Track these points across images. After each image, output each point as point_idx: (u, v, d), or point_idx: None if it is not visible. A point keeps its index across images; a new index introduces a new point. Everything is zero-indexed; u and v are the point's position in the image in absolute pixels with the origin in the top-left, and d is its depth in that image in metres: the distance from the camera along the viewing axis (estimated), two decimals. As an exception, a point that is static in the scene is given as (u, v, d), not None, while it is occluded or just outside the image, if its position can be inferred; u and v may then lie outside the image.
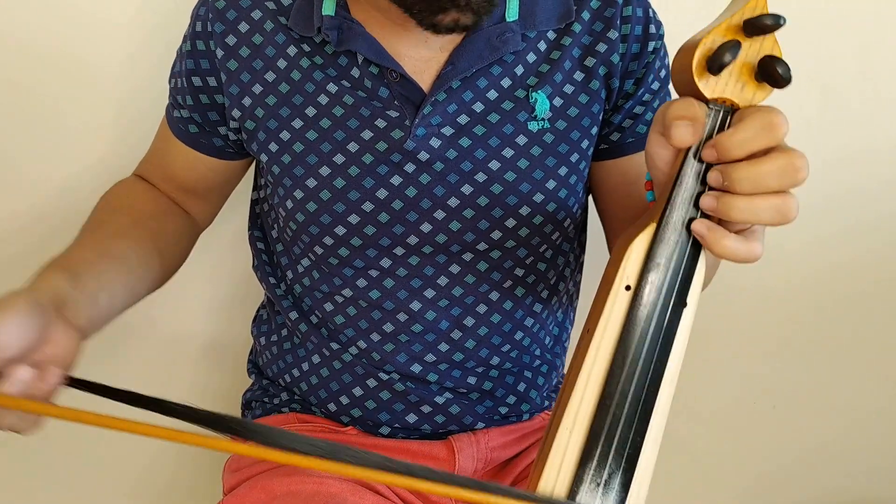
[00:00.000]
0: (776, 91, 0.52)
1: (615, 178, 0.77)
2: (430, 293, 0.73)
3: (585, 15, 0.71)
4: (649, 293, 0.53)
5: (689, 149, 0.51)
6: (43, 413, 0.52)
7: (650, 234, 0.53)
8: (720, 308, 1.04)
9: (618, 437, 0.54)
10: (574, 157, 0.72)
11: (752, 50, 0.50)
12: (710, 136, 0.51)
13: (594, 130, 0.74)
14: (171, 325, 1.06)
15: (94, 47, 0.94)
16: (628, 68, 0.72)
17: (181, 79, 0.76)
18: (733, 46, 0.49)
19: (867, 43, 0.97)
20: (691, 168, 0.52)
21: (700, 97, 0.51)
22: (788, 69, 0.49)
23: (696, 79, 0.50)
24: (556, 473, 0.54)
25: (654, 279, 0.53)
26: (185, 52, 0.75)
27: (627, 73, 0.72)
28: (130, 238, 0.74)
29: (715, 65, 0.49)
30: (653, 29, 0.72)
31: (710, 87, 0.50)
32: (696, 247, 0.53)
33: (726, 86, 0.50)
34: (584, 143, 0.73)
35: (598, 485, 0.54)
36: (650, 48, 0.72)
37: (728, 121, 0.51)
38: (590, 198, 0.83)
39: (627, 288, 0.54)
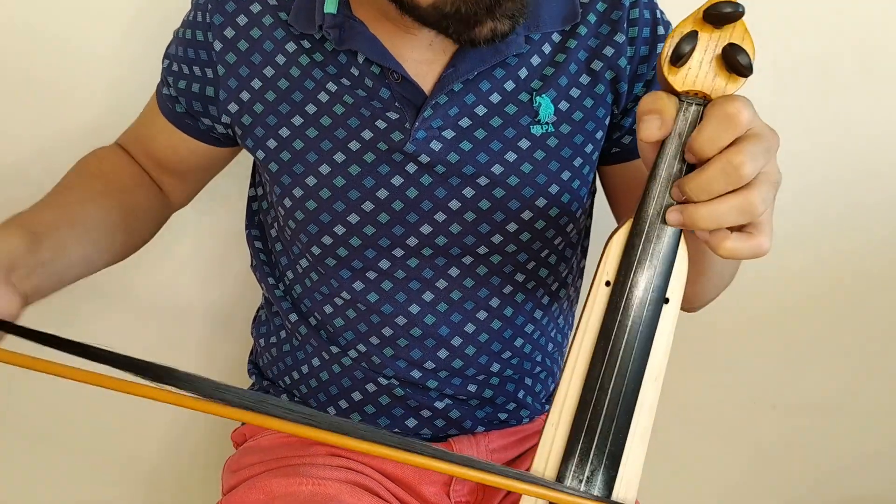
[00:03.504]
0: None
1: (629, 181, 0.76)
2: (428, 296, 0.72)
3: (591, 17, 0.70)
4: (628, 289, 0.53)
5: (664, 143, 0.51)
6: None
7: (627, 229, 0.53)
8: (720, 308, 1.02)
9: (599, 432, 0.53)
10: (577, 162, 0.71)
11: (722, 40, 0.50)
12: (691, 129, 0.51)
13: (599, 135, 0.73)
14: (172, 324, 1.07)
15: (88, 24, 0.94)
16: (637, 71, 0.71)
17: (175, 62, 0.76)
18: (690, 37, 0.49)
19: (867, 42, 0.97)
20: (666, 162, 0.51)
21: (673, 91, 0.51)
22: (748, 57, 0.49)
23: (665, 73, 0.50)
24: (543, 468, 0.55)
25: (633, 274, 0.52)
26: (183, 37, 0.75)
27: (637, 77, 0.71)
28: (97, 207, 0.73)
29: (674, 56, 0.49)
30: (661, 30, 0.71)
31: (680, 79, 0.50)
32: (674, 241, 0.53)
33: (696, 78, 0.50)
34: (589, 148, 0.72)
35: (581, 481, 0.54)
36: (659, 51, 0.70)
37: (702, 113, 0.51)
38: (594, 202, 0.82)
39: (607, 283, 0.54)
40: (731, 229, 0.50)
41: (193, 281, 1.06)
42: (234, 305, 1.06)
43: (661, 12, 0.72)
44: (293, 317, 0.78)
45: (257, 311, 0.89)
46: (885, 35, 0.96)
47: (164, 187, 0.84)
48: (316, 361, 0.78)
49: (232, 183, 0.92)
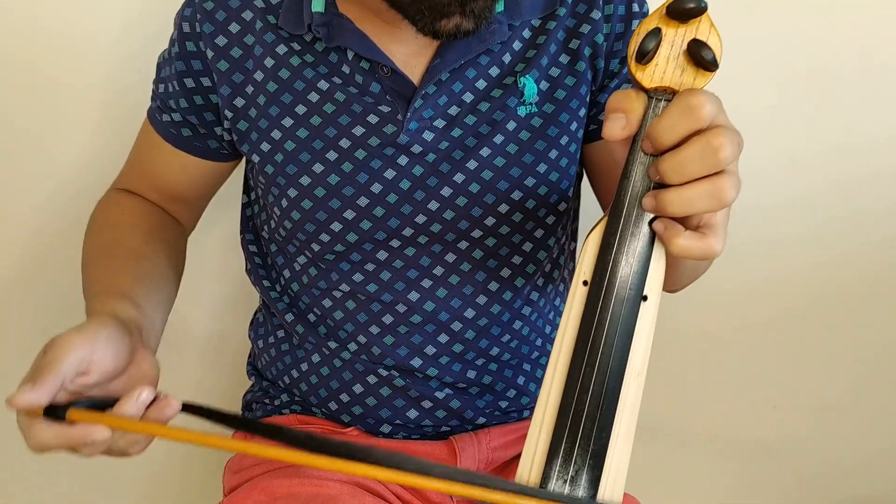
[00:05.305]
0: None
1: (606, 158, 0.76)
2: (426, 283, 0.74)
3: None
4: (605, 287, 0.52)
5: (634, 141, 0.51)
6: (160, 435, 0.51)
7: (603, 227, 0.53)
8: (720, 307, 1.03)
9: (581, 432, 0.53)
10: (564, 140, 0.73)
11: (688, 35, 0.49)
12: None
13: (582, 112, 0.74)
14: (170, 328, 1.07)
15: (82, 47, 0.95)
16: (613, 48, 0.72)
17: (171, 83, 0.76)
18: (653, 34, 0.49)
19: (866, 41, 0.96)
20: (637, 160, 0.51)
21: (642, 88, 0.50)
22: (712, 52, 0.48)
23: (632, 70, 0.50)
24: (528, 469, 0.54)
25: (609, 273, 0.52)
26: (174, 54, 0.74)
27: (613, 53, 0.73)
28: (152, 257, 0.75)
29: (639, 54, 0.49)
30: (636, 7, 0.72)
31: (648, 76, 0.50)
32: (650, 239, 0.52)
33: (664, 74, 0.50)
34: (574, 126, 0.73)
35: (566, 481, 0.53)
36: (634, 27, 0.72)
37: None
38: (583, 186, 0.82)
39: (585, 283, 0.53)
40: (686, 226, 0.50)
41: (190, 284, 1.06)
42: (232, 307, 1.07)
43: None
44: (289, 317, 0.79)
45: (255, 314, 0.90)
46: (886, 38, 0.96)
47: (176, 217, 0.85)
48: (315, 358, 0.79)
49: (224, 190, 0.91)
